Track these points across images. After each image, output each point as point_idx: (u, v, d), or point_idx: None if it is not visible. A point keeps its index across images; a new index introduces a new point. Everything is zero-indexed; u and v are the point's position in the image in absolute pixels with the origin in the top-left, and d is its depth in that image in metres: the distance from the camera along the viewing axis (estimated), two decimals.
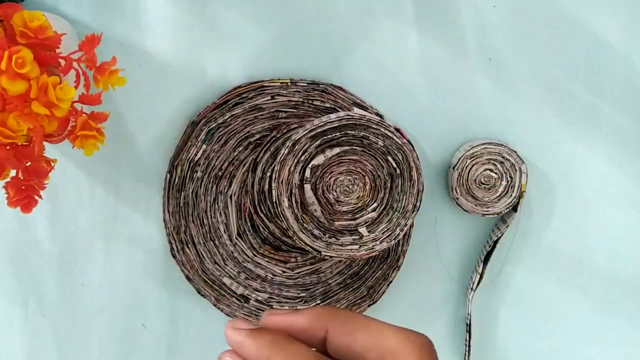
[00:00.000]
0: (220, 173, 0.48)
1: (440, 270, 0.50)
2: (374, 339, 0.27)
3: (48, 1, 0.44)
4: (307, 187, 0.46)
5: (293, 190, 0.46)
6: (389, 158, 0.46)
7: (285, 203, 0.45)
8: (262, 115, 0.47)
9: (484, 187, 0.47)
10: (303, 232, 0.46)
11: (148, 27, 0.46)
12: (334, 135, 0.45)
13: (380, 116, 0.47)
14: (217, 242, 0.49)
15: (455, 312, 0.50)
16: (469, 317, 0.49)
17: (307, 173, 0.46)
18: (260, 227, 0.48)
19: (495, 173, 0.47)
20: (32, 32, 0.39)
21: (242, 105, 0.47)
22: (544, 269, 0.50)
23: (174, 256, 0.49)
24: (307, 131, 0.44)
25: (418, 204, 0.46)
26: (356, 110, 0.47)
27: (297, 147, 0.45)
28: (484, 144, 0.47)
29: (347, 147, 0.46)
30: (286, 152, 0.45)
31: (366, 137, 0.45)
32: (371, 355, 0.27)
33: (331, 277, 0.49)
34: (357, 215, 0.46)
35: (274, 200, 0.45)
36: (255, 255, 0.49)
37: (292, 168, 0.45)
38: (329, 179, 0.47)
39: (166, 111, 0.47)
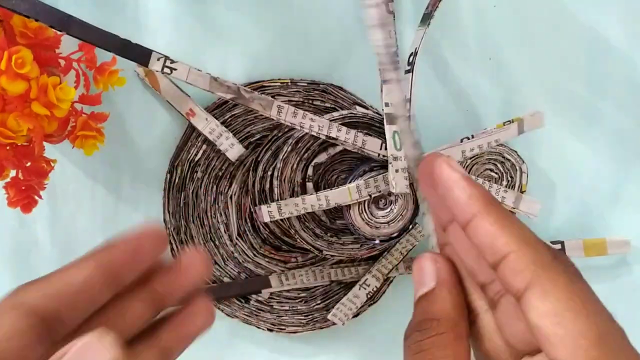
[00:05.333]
0: (220, 173, 0.48)
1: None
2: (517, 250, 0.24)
3: (48, 1, 0.44)
4: (310, 185, 0.46)
5: (295, 189, 0.46)
6: None
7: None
8: (262, 115, 0.47)
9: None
10: (304, 231, 0.46)
11: (148, 27, 0.46)
12: None
13: (381, 116, 0.47)
14: (217, 242, 0.49)
15: None
16: None
17: (310, 171, 0.46)
18: (261, 227, 0.48)
19: (496, 173, 0.47)
20: (32, 32, 0.39)
21: (242, 105, 0.46)
22: None
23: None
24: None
25: (418, 203, 0.46)
26: (359, 108, 0.47)
27: (300, 144, 0.45)
28: None
29: None
30: (289, 149, 0.45)
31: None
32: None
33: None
34: None
35: (276, 199, 0.45)
36: (255, 256, 0.49)
37: (295, 166, 0.45)
38: (331, 177, 0.47)
39: (166, 111, 0.47)
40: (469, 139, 0.45)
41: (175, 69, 0.41)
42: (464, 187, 0.26)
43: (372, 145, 0.44)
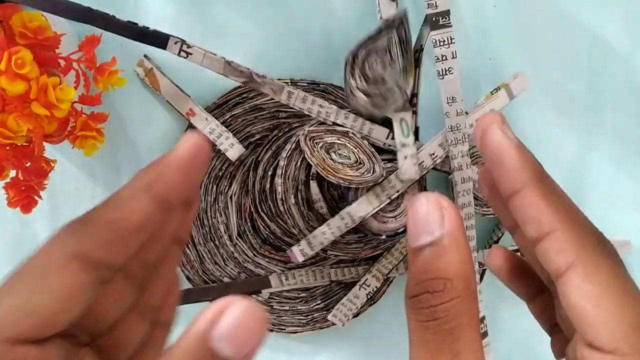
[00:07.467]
0: (220, 173, 0.48)
1: None
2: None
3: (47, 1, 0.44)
4: (313, 183, 0.46)
5: (299, 187, 0.46)
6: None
7: (292, 200, 0.45)
8: (262, 115, 0.47)
9: None
10: (309, 230, 0.46)
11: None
12: None
13: None
14: (217, 242, 0.49)
15: None
16: None
17: (313, 169, 0.46)
18: (261, 227, 0.48)
19: None
20: (32, 32, 0.39)
21: (242, 105, 0.46)
22: None
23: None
24: (314, 127, 0.44)
25: None
26: None
27: None
28: None
29: None
30: (292, 147, 0.45)
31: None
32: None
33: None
34: None
35: (280, 198, 0.45)
36: (255, 256, 0.49)
37: (299, 164, 0.45)
38: None
39: (166, 111, 0.47)
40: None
41: (190, 54, 0.42)
42: (516, 156, 0.25)
43: (378, 134, 0.44)
